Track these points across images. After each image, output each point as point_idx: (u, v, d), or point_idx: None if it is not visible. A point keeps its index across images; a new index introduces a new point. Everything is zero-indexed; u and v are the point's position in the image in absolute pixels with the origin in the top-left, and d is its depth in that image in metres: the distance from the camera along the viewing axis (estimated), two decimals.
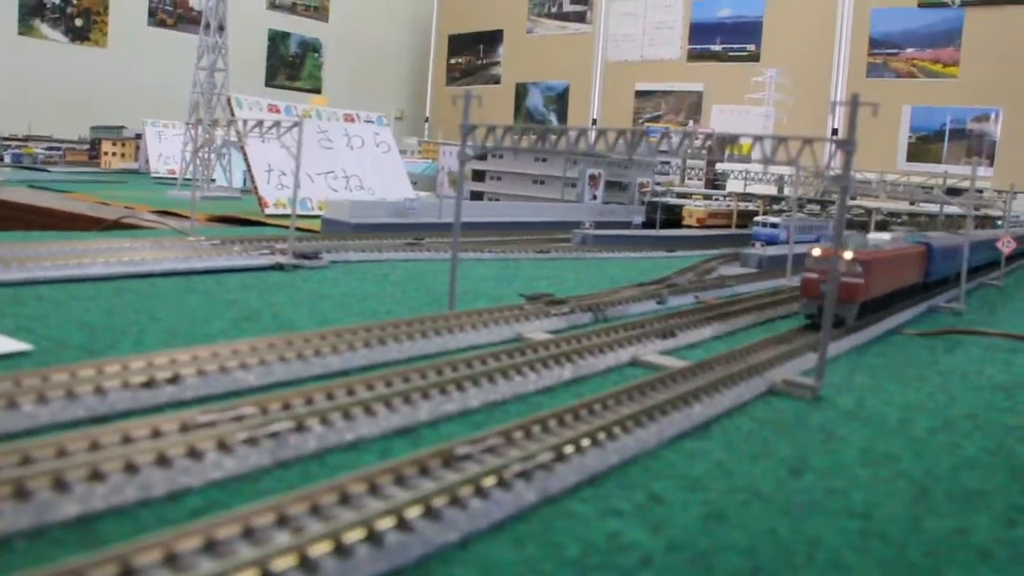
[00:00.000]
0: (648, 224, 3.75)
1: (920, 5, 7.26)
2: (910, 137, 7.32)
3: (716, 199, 4.67)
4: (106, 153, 6.01)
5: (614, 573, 0.56)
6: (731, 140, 1.20)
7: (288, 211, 3.02)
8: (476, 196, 4.24)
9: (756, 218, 3.09)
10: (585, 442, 0.79)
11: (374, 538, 0.55)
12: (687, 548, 0.61)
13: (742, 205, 4.16)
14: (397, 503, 0.59)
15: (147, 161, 5.49)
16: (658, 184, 4.99)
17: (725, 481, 0.75)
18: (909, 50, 7.37)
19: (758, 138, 1.10)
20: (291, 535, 0.54)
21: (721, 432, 0.90)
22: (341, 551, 0.53)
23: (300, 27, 9.75)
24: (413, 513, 0.59)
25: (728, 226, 3.82)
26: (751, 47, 8.17)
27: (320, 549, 0.52)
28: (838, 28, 7.61)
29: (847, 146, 1.02)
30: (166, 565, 0.49)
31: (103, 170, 5.70)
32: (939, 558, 0.62)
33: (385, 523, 0.57)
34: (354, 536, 0.55)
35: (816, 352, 1.16)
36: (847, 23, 7.58)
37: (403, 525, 0.58)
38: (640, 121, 8.59)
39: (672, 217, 3.91)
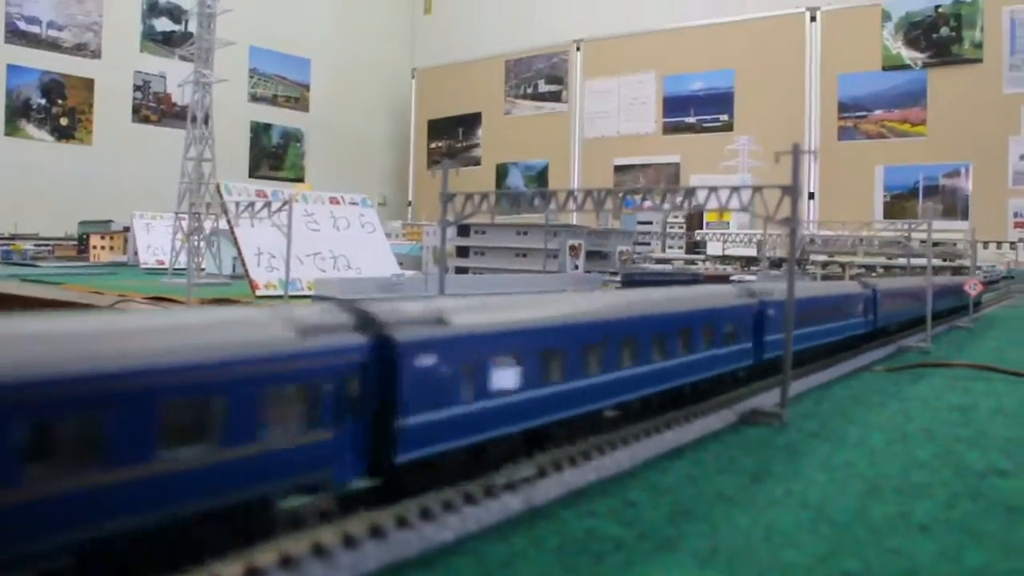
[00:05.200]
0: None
1: (885, 68, 7.50)
2: (885, 196, 7.49)
3: (695, 263, 4.79)
4: (95, 247, 6.11)
5: (590, 556, 0.64)
6: (690, 192, 1.29)
7: (279, 292, 3.10)
8: (461, 271, 4.34)
9: (732, 277, 3.20)
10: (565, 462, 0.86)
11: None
12: (655, 537, 0.68)
13: (721, 267, 4.27)
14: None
15: (136, 253, 5.58)
16: (638, 253, 5.12)
17: (692, 488, 0.83)
18: (877, 112, 7.59)
19: (712, 189, 1.20)
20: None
21: (692, 453, 0.98)
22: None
23: (282, 118, 9.97)
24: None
25: None
26: (724, 117, 8.39)
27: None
28: (807, 94, 7.84)
29: (792, 191, 1.12)
30: None
31: (93, 263, 5.79)
32: (881, 534, 0.69)
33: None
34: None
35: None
36: (815, 89, 7.81)
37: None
38: (620, 195, 8.75)
39: None
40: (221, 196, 3.25)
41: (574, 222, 6.24)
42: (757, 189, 1.16)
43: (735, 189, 1.18)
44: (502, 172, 9.90)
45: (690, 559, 0.63)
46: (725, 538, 0.68)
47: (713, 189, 1.20)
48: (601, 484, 0.84)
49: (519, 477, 0.79)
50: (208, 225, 3.97)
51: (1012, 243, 5.59)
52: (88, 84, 8.13)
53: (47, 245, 6.40)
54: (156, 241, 5.39)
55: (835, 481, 0.86)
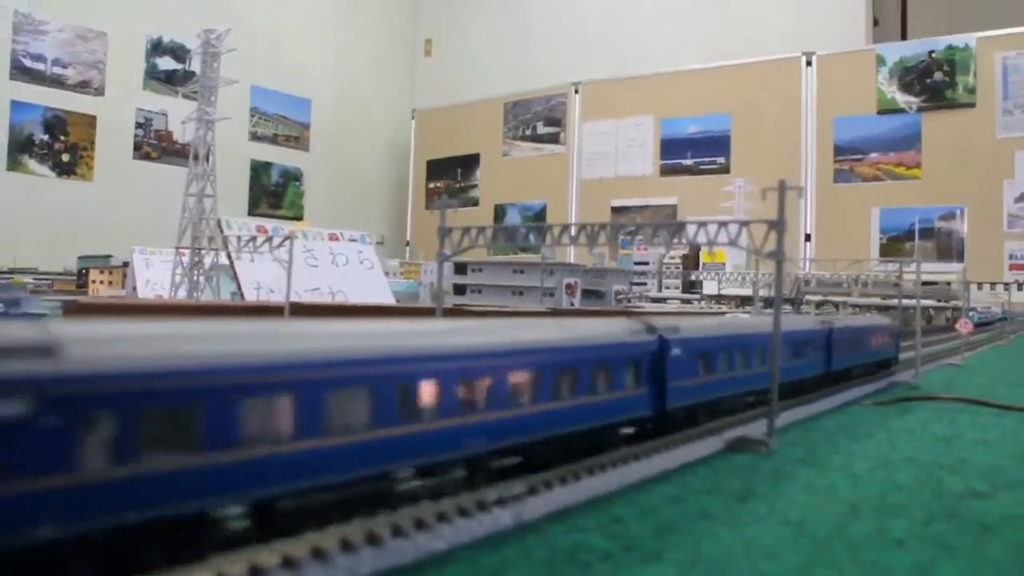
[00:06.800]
0: None
1: (879, 112, 7.60)
2: (881, 238, 7.55)
3: (692, 303, 4.82)
4: (94, 281, 6.13)
5: (578, 566, 0.66)
6: (680, 227, 1.33)
7: None
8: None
9: (726, 315, 3.23)
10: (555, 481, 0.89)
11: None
12: (640, 549, 0.71)
13: (715, 306, 4.30)
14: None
15: (135, 288, 5.60)
16: (634, 293, 5.15)
17: (677, 507, 0.86)
18: (873, 155, 7.67)
19: (701, 224, 1.24)
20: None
21: (679, 476, 1.00)
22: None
23: (282, 157, 10.05)
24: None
25: None
26: (721, 160, 8.47)
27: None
28: (803, 137, 7.92)
29: (778, 226, 1.16)
30: None
31: (92, 298, 5.81)
32: (858, 548, 0.72)
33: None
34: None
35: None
36: (811, 132, 7.90)
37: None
38: (615, 230, 8.81)
39: None
40: (222, 231, 3.29)
41: (571, 260, 6.29)
42: (744, 224, 1.20)
43: (723, 224, 1.22)
44: (500, 213, 9.97)
45: (673, 569, 0.66)
46: (707, 550, 0.71)
47: (702, 224, 1.24)
48: (588, 503, 0.86)
49: (510, 494, 0.81)
50: (208, 260, 4.01)
51: (1006, 284, 5.62)
52: (90, 121, 8.22)
53: (46, 279, 6.43)
54: (155, 276, 5.41)
55: (817, 502, 0.88)
